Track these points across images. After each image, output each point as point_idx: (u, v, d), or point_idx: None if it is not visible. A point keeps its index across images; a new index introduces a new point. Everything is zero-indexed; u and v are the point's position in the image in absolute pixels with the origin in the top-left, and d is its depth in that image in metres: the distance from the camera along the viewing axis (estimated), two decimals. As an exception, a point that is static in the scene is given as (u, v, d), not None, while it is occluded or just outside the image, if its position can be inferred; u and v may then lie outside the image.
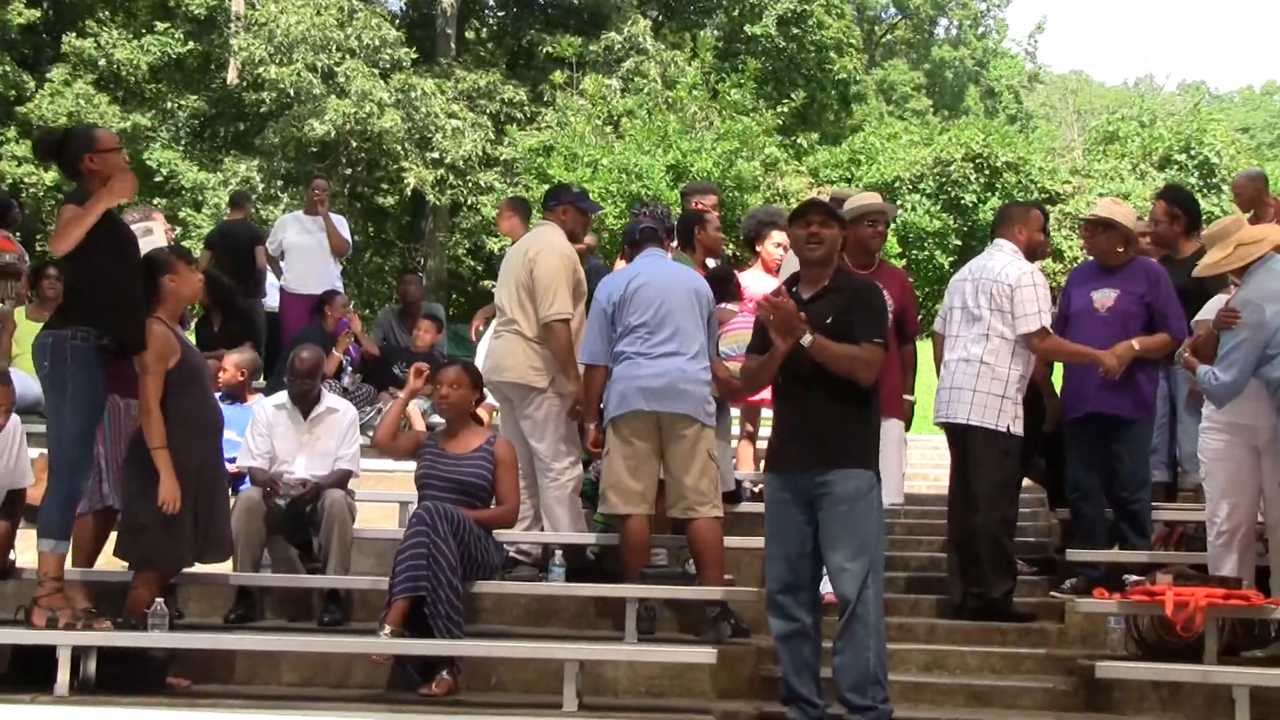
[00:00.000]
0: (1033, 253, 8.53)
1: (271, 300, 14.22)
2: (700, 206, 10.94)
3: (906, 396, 8.36)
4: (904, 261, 24.42)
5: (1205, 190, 25.83)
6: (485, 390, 8.47)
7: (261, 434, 8.77)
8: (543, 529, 8.71)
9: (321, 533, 8.36)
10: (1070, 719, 7.00)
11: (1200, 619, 6.87)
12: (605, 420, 8.14)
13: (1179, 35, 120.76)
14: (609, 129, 25.57)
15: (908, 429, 8.83)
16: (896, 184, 25.17)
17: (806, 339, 6.44)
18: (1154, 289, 8.32)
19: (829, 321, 6.60)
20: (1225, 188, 25.94)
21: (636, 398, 7.93)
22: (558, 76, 28.01)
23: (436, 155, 27.69)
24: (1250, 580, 7.64)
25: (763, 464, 7.00)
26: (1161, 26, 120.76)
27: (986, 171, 25.38)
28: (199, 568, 7.80)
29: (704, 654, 7.19)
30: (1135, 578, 7.79)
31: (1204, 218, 12.64)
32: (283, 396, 8.94)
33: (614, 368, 8.09)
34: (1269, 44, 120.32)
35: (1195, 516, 8.74)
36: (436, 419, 9.88)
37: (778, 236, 10.15)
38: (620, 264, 11.17)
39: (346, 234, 14.11)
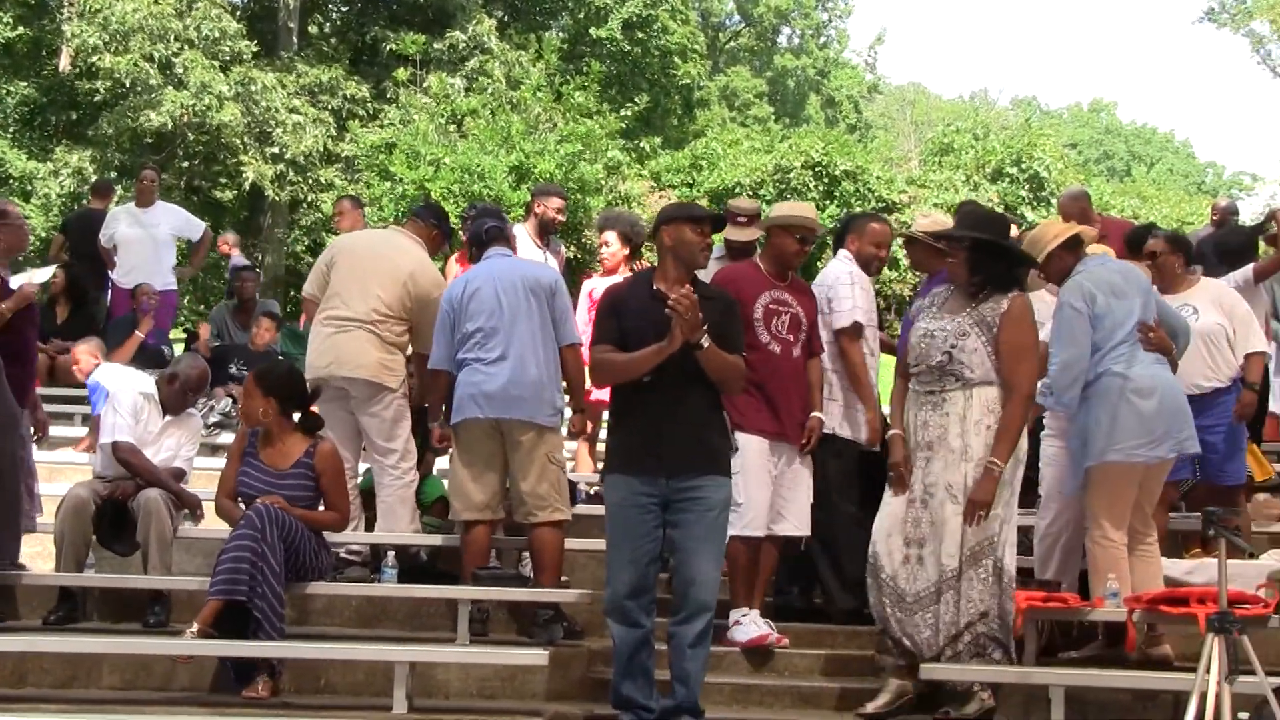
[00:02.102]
0: (866, 264, 8.64)
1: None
2: (543, 209, 10.98)
3: (816, 414, 8.29)
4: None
5: (1035, 203, 26.34)
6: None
7: (129, 415, 8.54)
8: (371, 529, 8.67)
9: (139, 531, 8.21)
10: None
11: (1021, 621, 7.02)
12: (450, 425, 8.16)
13: (1013, 51, 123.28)
14: (452, 128, 25.40)
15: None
16: (737, 190, 25.27)
17: (705, 341, 6.48)
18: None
19: (704, 327, 6.66)
20: (1054, 201, 26.49)
21: (473, 405, 7.93)
22: (401, 74, 27.76)
23: (276, 150, 27.31)
24: (1072, 583, 7.83)
25: (607, 466, 6.83)
26: (996, 42, 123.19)
27: (825, 179, 25.61)
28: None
29: (536, 656, 7.21)
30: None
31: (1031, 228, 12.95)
32: (148, 385, 8.76)
33: (457, 374, 8.08)
34: (1097, 63, 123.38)
35: (1023, 520, 8.94)
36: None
37: (606, 236, 10.35)
38: (453, 265, 11.19)
39: (189, 223, 13.85)
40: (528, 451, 7.91)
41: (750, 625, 7.80)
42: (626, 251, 10.67)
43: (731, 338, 6.73)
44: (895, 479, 7.03)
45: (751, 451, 7.74)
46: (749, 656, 7.80)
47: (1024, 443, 6.97)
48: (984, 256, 7.01)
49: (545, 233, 11.17)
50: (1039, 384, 7.61)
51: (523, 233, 11.07)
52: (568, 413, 8.56)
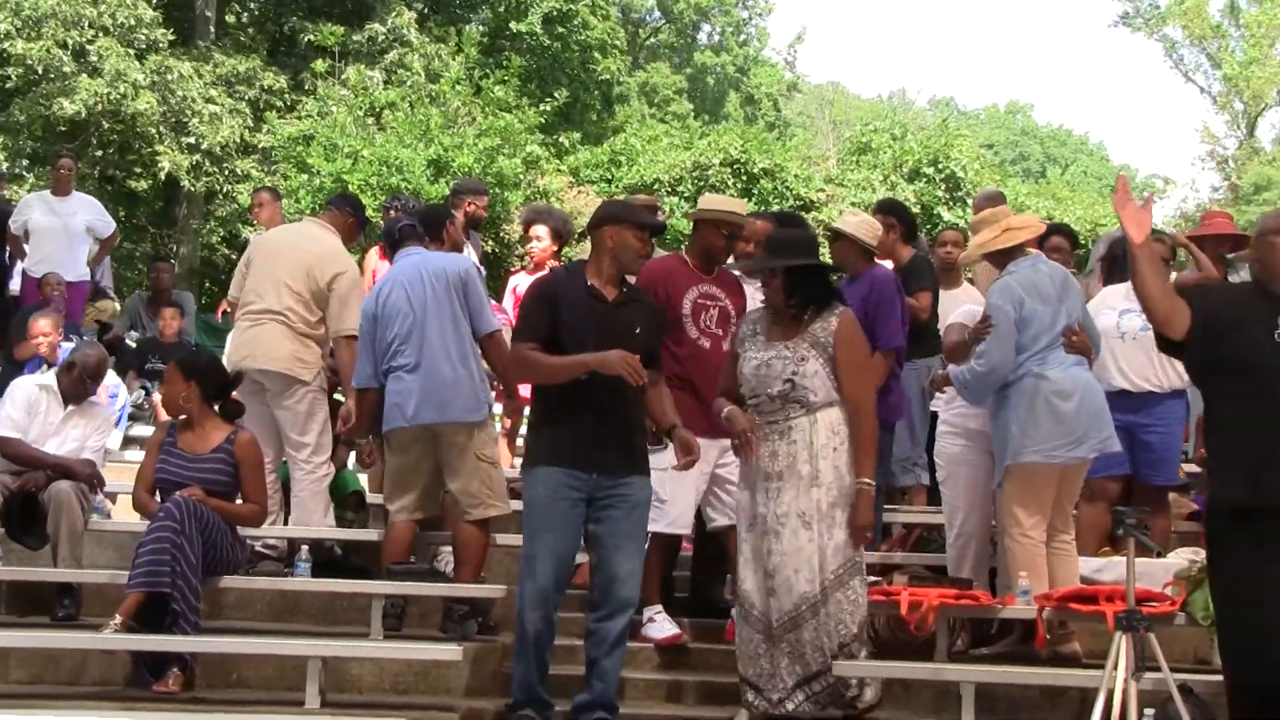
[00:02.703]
0: None
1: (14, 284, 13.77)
2: (473, 208, 10.97)
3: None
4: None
5: (952, 203, 26.51)
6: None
7: (19, 408, 8.42)
8: (287, 523, 8.62)
9: (49, 524, 8.11)
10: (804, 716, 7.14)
11: (932, 618, 7.09)
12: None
13: (931, 52, 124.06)
14: (370, 120, 25.25)
15: None
16: (656, 186, 25.32)
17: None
18: (870, 296, 8.40)
19: (638, 331, 6.65)
20: (970, 201, 26.70)
21: (399, 414, 7.90)
22: (319, 65, 27.51)
23: (192, 140, 26.98)
24: (984, 581, 7.91)
25: (532, 459, 6.80)
26: (915, 43, 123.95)
27: (744, 177, 25.66)
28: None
29: (450, 651, 7.19)
30: (873, 578, 8.02)
31: (953, 228, 13.10)
32: (47, 377, 8.67)
33: (385, 384, 8.04)
34: (1015, 65, 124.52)
35: (934, 519, 9.04)
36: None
37: (536, 231, 10.33)
38: (372, 257, 11.13)
39: (103, 218, 13.69)
40: (459, 452, 7.89)
41: (664, 623, 7.83)
42: (556, 247, 10.68)
43: (655, 346, 6.78)
44: (744, 444, 6.87)
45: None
46: (661, 652, 7.83)
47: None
48: (799, 278, 6.87)
49: (470, 228, 11.17)
50: (957, 371, 7.69)
51: None
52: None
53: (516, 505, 7.41)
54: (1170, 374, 8.70)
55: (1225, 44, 52.36)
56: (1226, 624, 5.76)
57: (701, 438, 7.75)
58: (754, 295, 8.03)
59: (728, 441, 7.81)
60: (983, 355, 7.58)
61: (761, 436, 6.77)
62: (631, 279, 6.99)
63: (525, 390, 8.44)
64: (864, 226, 8.56)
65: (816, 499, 6.64)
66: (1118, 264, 11.05)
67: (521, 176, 23.80)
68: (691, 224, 8.28)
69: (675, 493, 7.72)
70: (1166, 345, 5.93)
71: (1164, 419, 8.70)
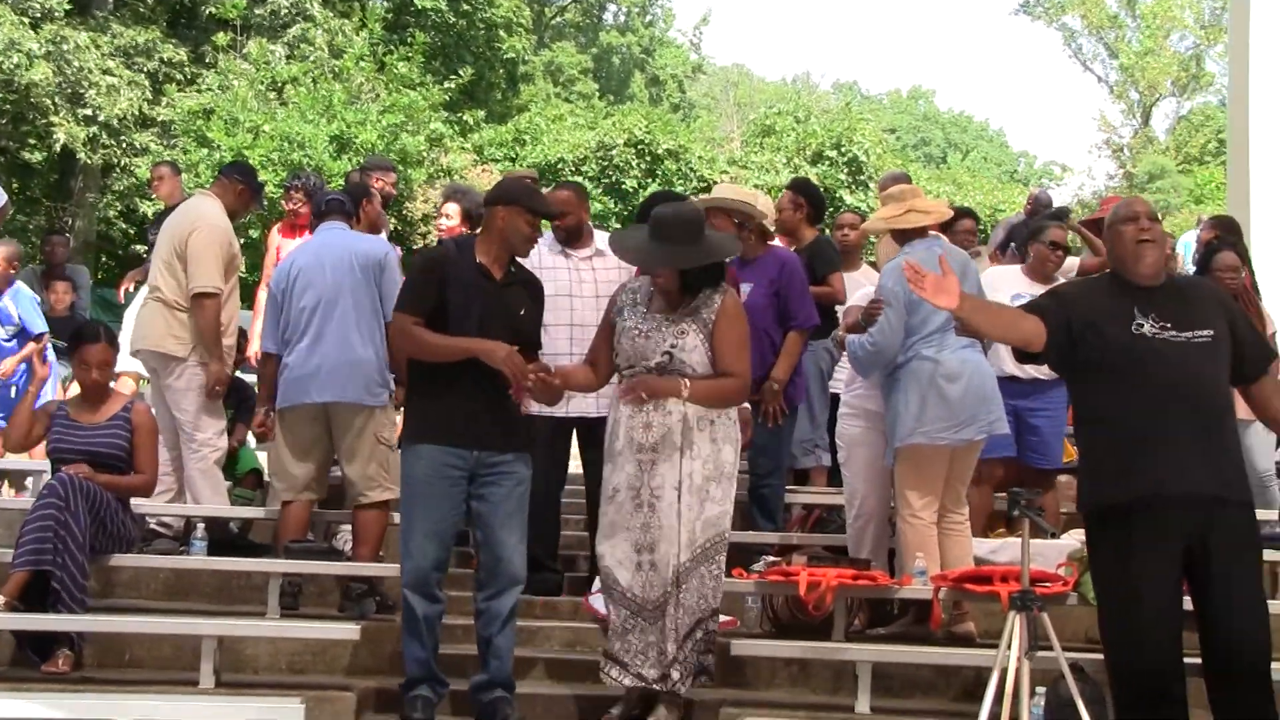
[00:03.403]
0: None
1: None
2: (381, 184, 10.90)
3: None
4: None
5: (854, 186, 26.76)
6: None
7: None
8: (186, 502, 8.53)
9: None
10: (704, 694, 7.14)
11: (830, 598, 7.13)
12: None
13: (835, 37, 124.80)
14: (272, 95, 25.01)
15: None
16: (560, 166, 25.35)
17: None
18: (781, 276, 8.47)
19: (522, 313, 6.61)
20: (872, 185, 26.94)
21: (298, 388, 7.83)
22: (221, 38, 27.16)
23: (89, 112, 26.56)
24: (882, 562, 7.98)
25: (412, 435, 6.69)
26: (819, 27, 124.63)
27: (648, 158, 25.76)
28: None
29: (347, 630, 7.15)
30: (772, 558, 8.07)
31: (852, 211, 13.19)
32: None
33: (284, 356, 7.96)
34: (918, 51, 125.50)
35: (833, 500, 9.11)
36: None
37: (447, 209, 10.29)
38: (274, 236, 11.03)
39: None
40: (357, 433, 7.84)
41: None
42: (464, 228, 10.62)
43: (538, 328, 6.75)
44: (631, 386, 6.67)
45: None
46: (559, 632, 7.84)
47: (737, 432, 6.76)
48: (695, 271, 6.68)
49: (380, 206, 11.09)
50: (852, 341, 7.75)
51: None
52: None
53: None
54: None
55: (1122, 34, 53.15)
56: (1107, 620, 5.84)
57: None
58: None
59: None
60: (874, 333, 7.64)
61: (637, 408, 6.62)
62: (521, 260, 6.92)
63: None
64: (755, 203, 8.58)
65: (690, 472, 6.51)
66: (1017, 247, 11.25)
67: (425, 154, 23.70)
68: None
69: None
70: (1024, 355, 6.00)
71: (1050, 404, 8.80)
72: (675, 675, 6.48)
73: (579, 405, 7.96)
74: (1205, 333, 5.75)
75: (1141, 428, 5.63)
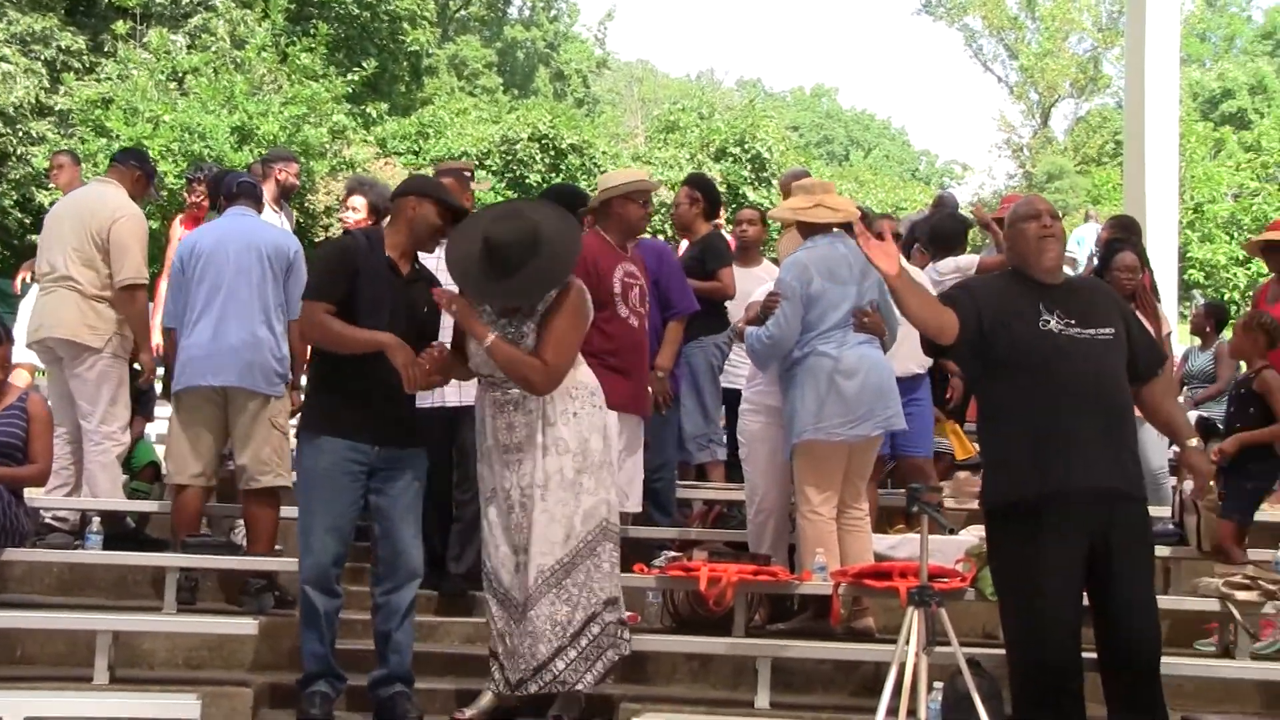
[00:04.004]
0: None
1: None
2: (284, 175, 10.81)
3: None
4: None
5: (757, 183, 26.88)
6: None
7: None
8: (83, 495, 8.41)
9: None
10: (606, 690, 7.12)
11: (731, 594, 7.15)
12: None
13: (739, 34, 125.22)
14: (173, 85, 24.73)
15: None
16: (463, 159, 25.22)
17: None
18: (659, 267, 8.44)
19: (425, 310, 6.57)
20: (775, 182, 27.08)
21: (195, 371, 7.74)
22: (120, 27, 26.83)
23: (-16, 100, 26.19)
24: (782, 557, 8.01)
25: (312, 426, 6.61)
26: (723, 24, 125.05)
27: (552, 152, 25.75)
28: None
29: (245, 625, 7.09)
30: (673, 554, 8.08)
31: (753, 207, 13.24)
32: None
33: (182, 336, 7.87)
34: (821, 49, 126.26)
35: (734, 496, 9.14)
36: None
37: (353, 201, 10.22)
38: (176, 228, 10.91)
39: None
40: (252, 417, 7.76)
41: None
42: (370, 221, 10.54)
43: (437, 325, 6.70)
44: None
45: (609, 425, 7.64)
46: (458, 628, 7.82)
47: (604, 419, 6.64)
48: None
49: (283, 198, 11.01)
50: (749, 333, 7.78)
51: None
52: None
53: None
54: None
55: (1022, 36, 53.82)
56: (1009, 614, 5.91)
57: (623, 415, 7.71)
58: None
59: (640, 419, 8.00)
60: (770, 325, 7.68)
61: (498, 409, 6.53)
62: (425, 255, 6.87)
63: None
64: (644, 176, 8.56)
65: (560, 467, 6.42)
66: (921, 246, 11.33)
67: (327, 146, 23.55)
68: (601, 205, 8.12)
69: (626, 473, 7.72)
70: (932, 350, 6.05)
71: (922, 394, 8.89)
72: (554, 673, 6.38)
73: (439, 395, 7.89)
74: (1107, 330, 5.84)
75: (1049, 423, 5.70)
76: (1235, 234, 29.30)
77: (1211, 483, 6.43)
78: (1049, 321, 5.80)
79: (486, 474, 6.60)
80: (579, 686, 6.45)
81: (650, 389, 8.28)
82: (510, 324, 6.44)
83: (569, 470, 6.42)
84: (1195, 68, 48.77)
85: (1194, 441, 6.25)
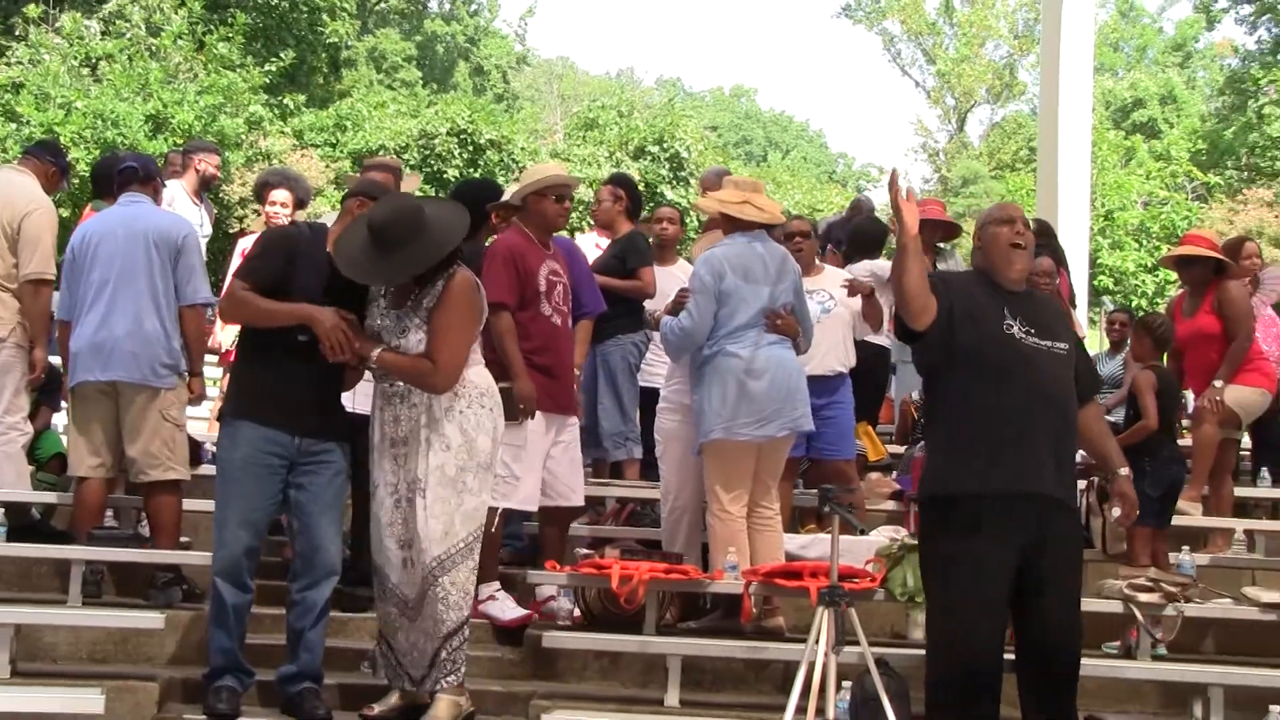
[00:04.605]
0: None
1: None
2: (204, 166, 10.72)
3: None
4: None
5: (675, 182, 26.91)
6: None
7: None
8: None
9: None
10: (517, 687, 7.17)
11: (642, 592, 7.17)
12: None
13: (660, 33, 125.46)
14: (86, 71, 24.42)
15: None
16: (381, 153, 25.09)
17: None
18: (570, 265, 8.40)
19: (355, 308, 6.52)
20: (693, 181, 27.13)
21: (85, 365, 7.66)
22: (32, 10, 26.42)
23: (-112, 84, 25.73)
24: (695, 556, 8.03)
25: (233, 410, 6.54)
26: (644, 22, 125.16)
27: (470, 147, 25.65)
28: None
29: (151, 619, 7.02)
30: (585, 551, 8.09)
31: (671, 206, 13.27)
32: None
33: (73, 327, 7.78)
34: (741, 50, 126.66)
35: (647, 494, 9.16)
36: None
37: (279, 195, 10.15)
38: (89, 212, 10.77)
39: None
40: (140, 410, 7.67)
41: (506, 602, 7.77)
42: (294, 215, 10.47)
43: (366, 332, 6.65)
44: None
45: (533, 427, 7.65)
46: (370, 624, 7.77)
47: (492, 422, 6.51)
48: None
49: (203, 189, 10.91)
50: (664, 323, 7.80)
51: (179, 188, 10.78)
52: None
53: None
54: (847, 355, 8.98)
55: (940, 41, 54.24)
56: (935, 606, 5.98)
57: (550, 415, 7.76)
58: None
59: (569, 420, 7.97)
60: (683, 317, 7.72)
61: (386, 400, 6.50)
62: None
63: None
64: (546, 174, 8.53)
65: (441, 463, 6.35)
66: (835, 246, 11.41)
67: (244, 137, 23.33)
68: (522, 201, 8.08)
69: (526, 469, 7.65)
70: (907, 335, 6.10)
71: (843, 396, 8.95)
72: (438, 674, 6.37)
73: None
74: (1062, 345, 6.00)
75: (1001, 423, 5.80)
76: (1144, 241, 29.70)
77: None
78: (1011, 326, 5.91)
79: (374, 470, 6.54)
80: (445, 688, 6.37)
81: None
82: (398, 319, 6.42)
83: (450, 467, 6.34)
84: (1108, 77, 49.36)
85: (1124, 470, 6.38)
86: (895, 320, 6.12)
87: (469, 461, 6.37)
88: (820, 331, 8.59)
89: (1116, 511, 6.40)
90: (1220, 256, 9.45)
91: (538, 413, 7.67)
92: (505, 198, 8.43)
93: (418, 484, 6.32)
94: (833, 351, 8.87)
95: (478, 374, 6.51)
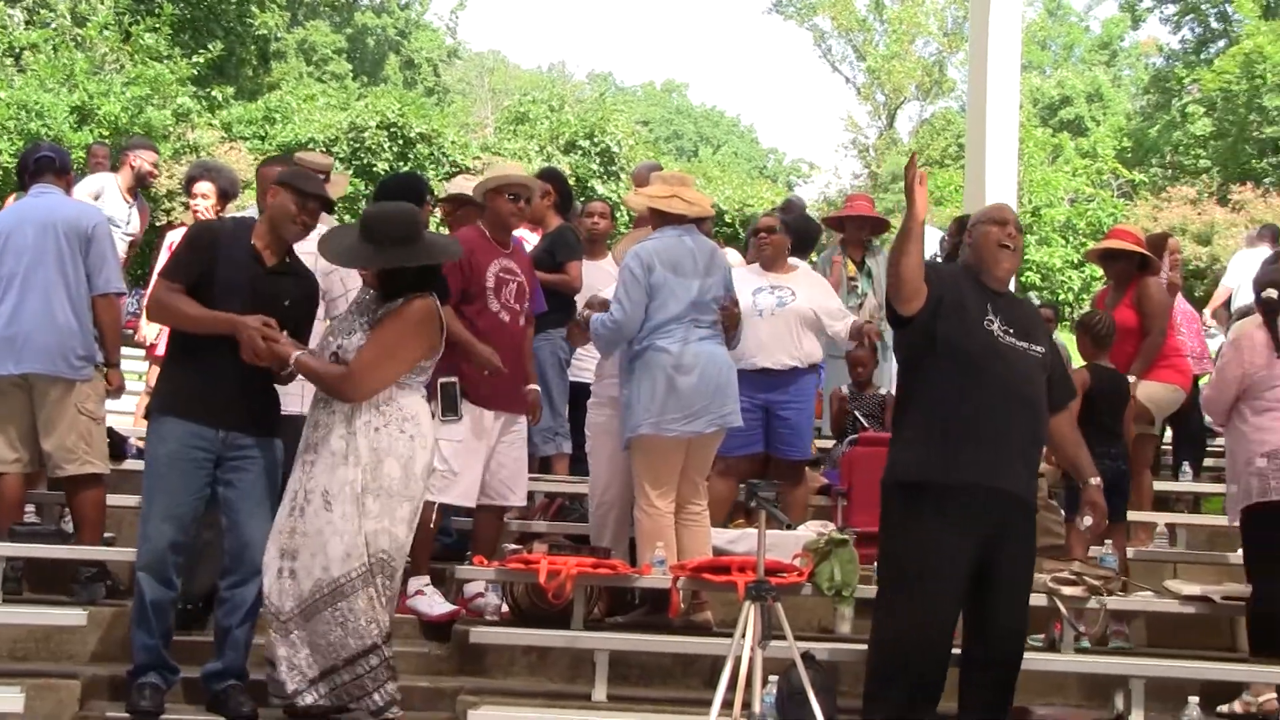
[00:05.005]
0: None
1: None
2: (139, 163, 10.65)
3: (533, 386, 8.43)
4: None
5: (606, 177, 26.86)
6: None
7: None
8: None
9: None
10: (444, 683, 7.15)
11: (570, 587, 7.17)
12: None
13: (591, 27, 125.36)
14: (9, 61, 24.12)
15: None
16: (310, 146, 24.91)
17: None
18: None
19: (287, 304, 6.45)
20: (624, 176, 27.10)
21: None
22: (-46, 0, 26.14)
23: None
24: (623, 551, 8.05)
25: (160, 406, 6.49)
26: (575, 17, 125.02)
27: (401, 141, 25.47)
28: None
29: (73, 616, 6.95)
30: (513, 546, 8.07)
31: (602, 200, 13.27)
32: None
33: None
34: (672, 44, 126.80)
35: (575, 489, 9.17)
36: None
37: (201, 188, 10.07)
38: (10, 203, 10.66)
39: None
40: (55, 404, 7.60)
41: (434, 598, 7.74)
42: (220, 207, 10.40)
43: (303, 323, 6.60)
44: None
45: (472, 422, 7.61)
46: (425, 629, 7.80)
47: (410, 450, 6.31)
48: (395, 274, 6.40)
49: (138, 187, 10.81)
50: (595, 319, 7.79)
51: (112, 183, 10.68)
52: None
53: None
54: (806, 349, 9.01)
55: (870, 37, 54.44)
56: (889, 589, 6.14)
57: (495, 411, 7.76)
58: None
59: (519, 416, 8.00)
60: (614, 310, 7.73)
61: (315, 403, 6.44)
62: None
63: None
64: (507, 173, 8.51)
65: (350, 479, 6.18)
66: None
67: (171, 129, 23.12)
68: (483, 197, 8.07)
69: (465, 464, 7.63)
70: (895, 320, 6.18)
71: (800, 395, 8.98)
72: (315, 697, 6.22)
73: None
74: (1039, 349, 6.15)
75: (973, 416, 5.93)
76: (1070, 238, 29.91)
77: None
78: (993, 323, 6.04)
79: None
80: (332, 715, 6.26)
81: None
82: (349, 320, 6.40)
83: (358, 485, 6.19)
84: (1036, 74, 49.76)
85: (1095, 480, 6.53)
86: (888, 307, 6.18)
87: (371, 483, 6.20)
88: (772, 324, 8.68)
89: (1088, 520, 6.60)
90: (1144, 252, 9.54)
91: (483, 410, 7.68)
92: (454, 191, 8.54)
93: (314, 496, 6.21)
94: (782, 345, 8.89)
95: (411, 401, 6.38)
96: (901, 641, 5.98)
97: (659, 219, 8.00)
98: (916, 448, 6.08)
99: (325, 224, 7.25)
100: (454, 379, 7.30)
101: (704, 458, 7.88)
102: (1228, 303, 14.16)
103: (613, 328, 7.75)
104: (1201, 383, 10.14)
